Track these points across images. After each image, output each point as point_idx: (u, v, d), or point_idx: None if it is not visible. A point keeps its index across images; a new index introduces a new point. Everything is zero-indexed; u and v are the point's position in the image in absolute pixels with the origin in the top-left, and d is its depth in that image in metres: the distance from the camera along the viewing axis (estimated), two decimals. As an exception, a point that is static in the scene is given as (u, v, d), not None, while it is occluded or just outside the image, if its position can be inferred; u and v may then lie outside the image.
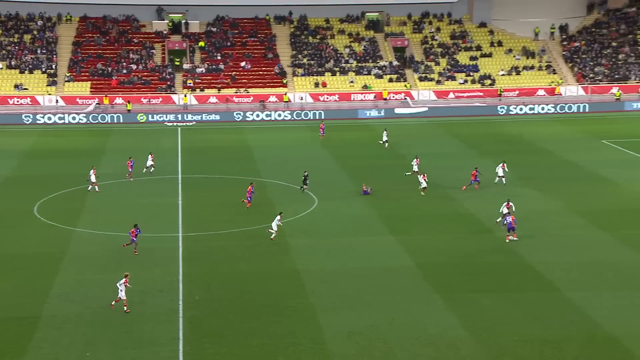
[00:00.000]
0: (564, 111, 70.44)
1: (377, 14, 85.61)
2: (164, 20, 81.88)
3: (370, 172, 47.10)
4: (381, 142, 55.95)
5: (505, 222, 34.86)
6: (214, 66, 77.35)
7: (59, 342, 25.27)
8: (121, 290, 27.34)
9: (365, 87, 76.15)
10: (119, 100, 71.79)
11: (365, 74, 77.85)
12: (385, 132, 56.24)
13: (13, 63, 74.71)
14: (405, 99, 74.87)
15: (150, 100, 72.33)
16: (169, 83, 74.85)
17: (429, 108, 71.28)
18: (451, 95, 75.33)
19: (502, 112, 70.65)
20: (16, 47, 76.35)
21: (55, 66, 75.09)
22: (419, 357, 24.23)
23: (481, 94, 75.58)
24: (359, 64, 78.97)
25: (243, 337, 25.75)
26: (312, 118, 69.28)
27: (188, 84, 74.52)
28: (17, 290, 29.57)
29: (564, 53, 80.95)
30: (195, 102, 72.72)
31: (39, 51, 76.23)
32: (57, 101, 71.11)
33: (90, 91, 72.75)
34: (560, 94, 75.10)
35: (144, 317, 27.09)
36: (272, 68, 77.80)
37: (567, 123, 65.11)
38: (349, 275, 30.94)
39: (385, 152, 54.96)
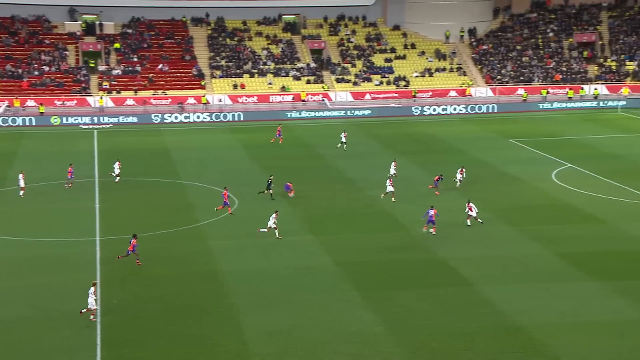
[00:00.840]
0: (474, 111, 72.64)
1: (294, 16, 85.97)
2: (76, 21, 79.57)
3: (291, 172, 47.28)
4: (340, 144, 55.83)
5: (426, 214, 36.05)
6: (130, 68, 75.77)
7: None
8: (92, 299, 26.49)
9: (283, 88, 76.33)
10: (30, 103, 69.30)
11: (283, 76, 78.03)
12: (343, 133, 56.31)
13: None
14: (323, 100, 75.49)
15: (64, 102, 70.15)
16: (83, 85, 72.81)
17: (345, 109, 72.11)
18: (367, 96, 76.46)
19: (416, 112, 72.18)
20: None
21: (-37, 67, 71.86)
22: (340, 355, 24.56)
23: (396, 95, 77.05)
24: (277, 66, 79.08)
25: (163, 340, 25.43)
26: (231, 120, 68.92)
27: (104, 86, 72.70)
28: None
29: (473, 55, 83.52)
30: (111, 105, 71.02)
31: (-56, 52, 72.75)
32: (-36, 104, 68.06)
33: (-1, 93, 70.02)
34: (471, 95, 77.47)
35: (62, 323, 26.34)
36: (190, 70, 76.91)
37: (478, 123, 67.23)
38: (270, 276, 31.03)
39: (305, 153, 55.30)
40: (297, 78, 77.89)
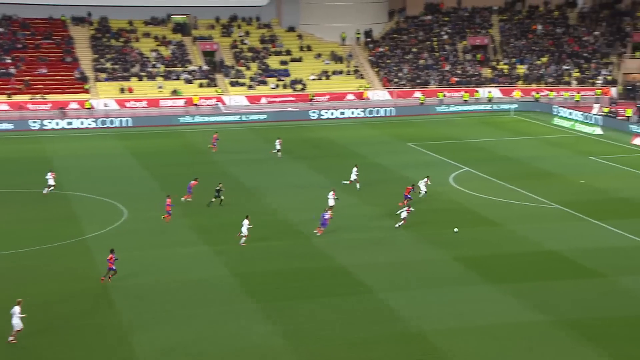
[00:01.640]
0: (372, 115, 74.28)
1: (183, 16, 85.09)
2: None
3: (183, 180, 46.80)
4: (274, 151, 55.41)
5: (322, 217, 37.00)
6: (3, 70, 72.62)
7: None
8: (15, 319, 25.56)
9: (174, 92, 75.37)
10: None
11: (174, 79, 77.07)
12: (278, 140, 55.91)
13: None
14: (217, 104, 75.10)
15: None
16: (-49, 89, 69.24)
17: (240, 113, 72.05)
18: (263, 100, 76.68)
19: (314, 116, 72.98)
20: None
21: None
22: (238, 369, 24.57)
23: (293, 98, 77.67)
24: (167, 69, 78.03)
25: (49, 364, 24.62)
26: (118, 126, 67.31)
27: (-26, 90, 69.41)
28: None
29: (370, 58, 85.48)
30: (-17, 110, 67.87)
31: None
32: None
33: None
34: (368, 98, 79.24)
35: None
36: (72, 73, 74.58)
37: (376, 127, 68.82)
38: (164, 289, 30.63)
39: (199, 159, 54.88)
40: (188, 81, 77.13)
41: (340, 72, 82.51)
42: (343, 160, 54.63)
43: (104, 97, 72.69)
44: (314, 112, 73.30)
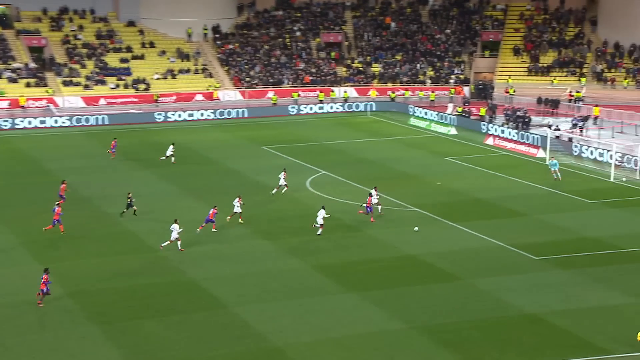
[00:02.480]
0: (223, 117, 73.99)
1: (3, 7, 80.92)
2: None
3: (11, 192, 44.55)
4: (164, 157, 53.74)
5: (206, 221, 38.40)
6: None
7: None
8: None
9: (-3, 93, 71.66)
10: None
11: (-4, 78, 73.25)
12: (172, 146, 54.16)
13: None
14: (49, 106, 72.03)
15: None
16: None
17: (75, 116, 69.51)
18: (102, 101, 74.42)
19: (159, 119, 71.73)
20: None
21: None
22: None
23: (136, 99, 75.95)
24: (-12, 66, 74.01)
25: None
26: None
27: None
28: None
29: (219, 55, 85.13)
30: None
31: None
32: None
33: None
34: (219, 99, 78.88)
35: None
36: None
37: (228, 129, 68.60)
38: (-12, 317, 28.92)
39: (29, 168, 52.40)
40: (13, 80, 73.49)
41: (188, 71, 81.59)
42: (193, 167, 54.00)
43: None
44: (159, 114, 72.09)
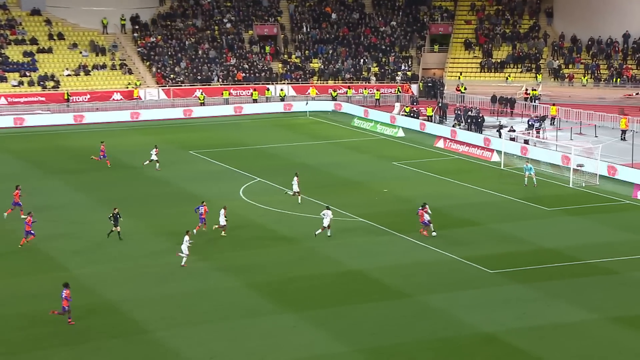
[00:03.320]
0: (145, 118, 73.45)
1: None
2: None
3: None
4: (147, 162, 53.50)
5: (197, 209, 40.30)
6: None
7: None
8: None
9: None
10: None
11: None
12: (155, 149, 53.72)
13: None
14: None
15: None
16: None
17: None
18: (3, 100, 73.13)
19: (71, 121, 71.10)
20: None
21: None
22: None
23: (43, 99, 74.89)
24: None
25: None
26: None
27: None
28: None
29: (139, 49, 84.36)
30: None
31: None
32: None
33: None
34: (140, 98, 78.16)
35: None
36: None
37: (149, 132, 68.00)
38: None
39: None
40: None
41: (103, 67, 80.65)
42: (111, 174, 53.35)
43: None
44: (70, 116, 71.39)
